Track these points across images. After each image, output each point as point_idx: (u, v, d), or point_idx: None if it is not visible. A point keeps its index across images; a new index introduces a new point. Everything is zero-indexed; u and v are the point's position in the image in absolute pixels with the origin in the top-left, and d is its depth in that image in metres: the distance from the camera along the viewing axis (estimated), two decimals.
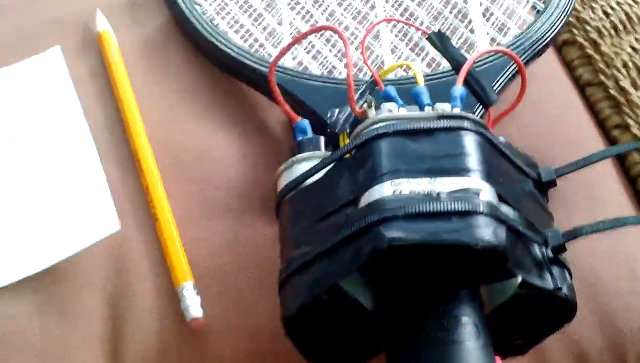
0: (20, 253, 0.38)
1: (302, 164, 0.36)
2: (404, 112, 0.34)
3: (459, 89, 0.35)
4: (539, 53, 0.46)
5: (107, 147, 0.43)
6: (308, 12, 0.48)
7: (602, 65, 0.49)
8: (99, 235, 0.38)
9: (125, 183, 0.42)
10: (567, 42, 0.51)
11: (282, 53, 0.40)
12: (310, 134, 0.38)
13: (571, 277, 0.34)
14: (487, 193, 0.31)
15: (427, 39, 0.40)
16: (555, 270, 0.33)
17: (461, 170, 0.31)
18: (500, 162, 0.34)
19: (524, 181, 0.35)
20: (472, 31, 0.48)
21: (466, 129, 0.33)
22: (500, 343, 0.33)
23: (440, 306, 0.31)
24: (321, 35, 0.47)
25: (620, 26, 0.51)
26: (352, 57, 0.44)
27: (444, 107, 0.34)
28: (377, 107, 0.35)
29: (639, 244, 0.42)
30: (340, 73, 0.45)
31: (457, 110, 0.34)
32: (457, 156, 0.32)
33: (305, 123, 0.39)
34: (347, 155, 0.34)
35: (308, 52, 0.46)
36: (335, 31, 0.39)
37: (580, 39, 0.50)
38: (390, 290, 0.32)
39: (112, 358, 0.38)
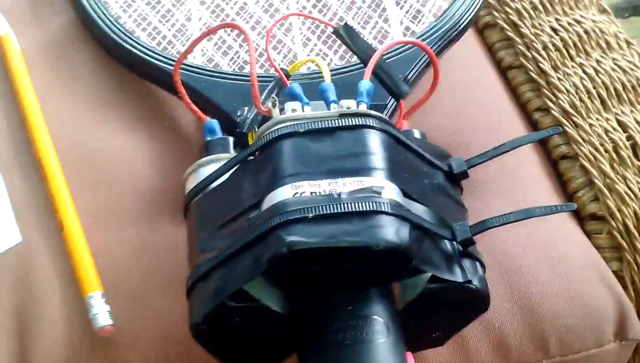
0: None
1: (208, 167, 0.35)
2: (308, 110, 0.34)
3: (365, 83, 0.35)
4: (452, 40, 0.45)
5: (10, 155, 0.41)
6: (218, 5, 0.47)
7: (522, 48, 0.49)
8: None
9: (30, 191, 0.40)
10: (488, 24, 0.51)
11: (187, 51, 0.38)
12: (219, 134, 0.37)
13: (484, 269, 0.33)
14: (390, 192, 0.30)
15: (333, 32, 0.39)
16: (466, 262, 0.32)
17: (363, 170, 0.31)
18: (406, 157, 0.33)
19: (433, 174, 0.35)
20: (385, 20, 0.47)
21: (368, 127, 0.32)
22: (417, 337, 0.33)
23: (349, 306, 0.31)
24: (232, 30, 0.45)
25: (540, 7, 0.50)
26: (256, 55, 0.43)
27: (348, 104, 0.34)
28: (282, 107, 0.34)
29: (556, 231, 0.42)
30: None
31: (362, 106, 0.34)
32: (358, 155, 0.31)
33: (214, 123, 0.38)
34: (251, 157, 0.33)
35: (218, 49, 0.45)
36: (237, 28, 0.38)
37: (501, 22, 0.50)
38: (298, 292, 0.31)
39: None
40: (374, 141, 0.32)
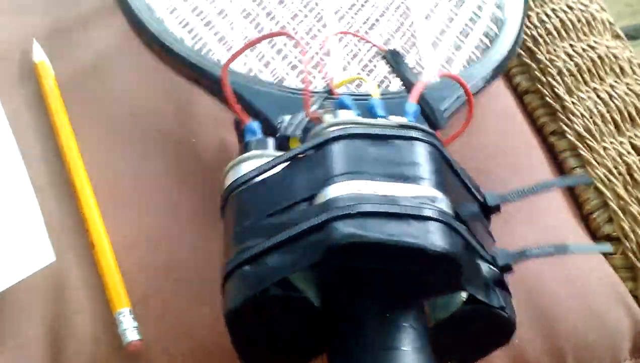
0: None
1: (250, 162, 0.35)
2: (369, 119, 0.34)
3: (412, 105, 0.36)
4: (489, 82, 0.45)
5: (45, 178, 0.43)
6: (259, 24, 0.49)
7: (538, 73, 0.50)
8: (33, 267, 0.39)
9: (64, 213, 0.42)
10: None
11: (235, 55, 0.40)
12: (260, 135, 0.37)
13: (511, 298, 0.34)
14: (443, 203, 0.31)
15: (382, 57, 0.40)
16: (498, 290, 0.33)
17: (420, 179, 0.31)
18: (453, 179, 0.34)
19: (471, 202, 0.35)
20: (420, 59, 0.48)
21: (426, 141, 0.33)
22: (438, 359, 0.33)
23: (386, 312, 0.31)
24: (272, 46, 0.47)
25: (555, 33, 0.51)
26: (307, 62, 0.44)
27: (400, 120, 0.34)
28: (335, 114, 0.35)
29: None
30: (291, 83, 0.44)
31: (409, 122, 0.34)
32: (416, 165, 0.32)
33: (256, 124, 0.38)
34: (302, 156, 0.33)
35: (260, 60, 0.46)
36: (290, 37, 0.40)
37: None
38: (338, 290, 0.32)
39: None
40: (431, 156, 0.32)
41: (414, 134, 0.33)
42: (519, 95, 0.51)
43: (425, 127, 0.34)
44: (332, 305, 0.32)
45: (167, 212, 0.42)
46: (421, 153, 0.32)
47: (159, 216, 0.42)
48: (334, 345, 0.31)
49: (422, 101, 0.38)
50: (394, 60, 0.39)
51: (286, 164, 0.34)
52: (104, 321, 0.39)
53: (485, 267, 0.32)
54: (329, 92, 0.39)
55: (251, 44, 0.40)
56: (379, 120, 0.34)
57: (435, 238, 0.29)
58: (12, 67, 0.48)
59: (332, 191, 0.31)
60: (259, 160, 0.35)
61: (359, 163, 0.32)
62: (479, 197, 0.36)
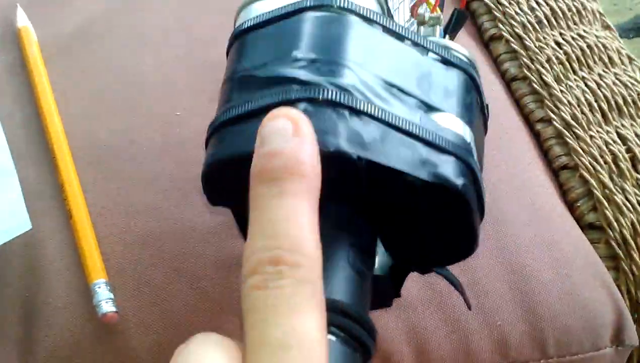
0: None
1: (264, 2, 0.31)
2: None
3: None
4: None
5: (24, 144, 0.42)
6: None
7: (526, 60, 0.50)
8: (9, 234, 0.38)
9: (43, 181, 0.41)
10: (494, 37, 0.52)
11: None
12: None
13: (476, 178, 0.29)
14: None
15: None
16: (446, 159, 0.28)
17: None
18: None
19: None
20: None
21: (467, 72, 0.30)
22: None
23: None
24: None
25: (545, 21, 0.51)
26: None
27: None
28: None
29: (561, 233, 0.43)
30: None
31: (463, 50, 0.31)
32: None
33: None
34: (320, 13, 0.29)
35: None
36: None
37: (506, 34, 0.51)
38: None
39: (25, 357, 0.37)
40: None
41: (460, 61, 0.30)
42: (507, 81, 0.50)
43: (467, 53, 0.31)
44: None
45: (147, 184, 0.41)
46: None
47: (139, 188, 0.41)
48: None
49: None
50: None
51: (298, 14, 0.30)
52: (80, 291, 0.38)
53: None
54: None
55: None
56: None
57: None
58: None
59: (345, 75, 0.27)
60: (273, 2, 0.30)
61: (371, 54, 0.28)
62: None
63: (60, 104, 0.43)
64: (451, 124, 0.29)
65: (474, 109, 0.30)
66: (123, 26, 0.48)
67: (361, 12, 0.30)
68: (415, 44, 0.30)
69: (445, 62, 0.30)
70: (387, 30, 0.30)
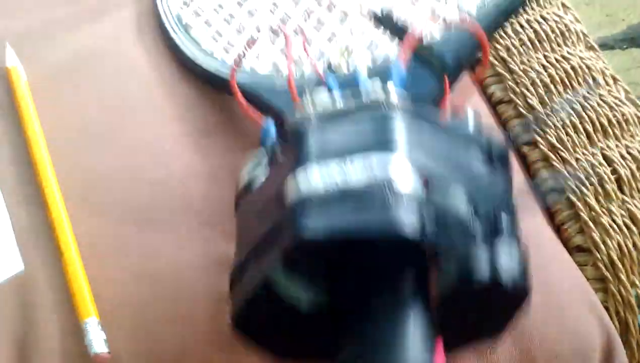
0: None
1: (255, 168, 0.35)
2: (336, 98, 0.33)
3: (396, 66, 0.35)
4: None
5: (14, 184, 0.43)
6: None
7: (511, 83, 0.50)
8: (1, 276, 0.38)
9: (33, 220, 0.41)
10: (479, 60, 0.52)
11: (240, 56, 0.42)
12: (272, 134, 0.36)
13: (522, 255, 0.31)
14: (410, 177, 0.29)
15: (372, 17, 0.41)
16: (501, 253, 0.30)
17: (385, 149, 0.29)
18: (433, 139, 0.31)
19: (464, 156, 0.32)
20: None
21: (388, 110, 0.31)
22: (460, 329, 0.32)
23: (378, 303, 0.29)
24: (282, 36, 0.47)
25: (529, 44, 0.51)
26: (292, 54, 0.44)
27: (375, 88, 0.33)
28: (312, 98, 0.34)
29: (549, 258, 0.43)
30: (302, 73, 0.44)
31: (390, 84, 0.33)
32: (381, 139, 0.30)
33: (270, 125, 0.36)
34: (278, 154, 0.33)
35: (274, 58, 0.46)
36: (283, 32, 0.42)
37: (491, 58, 0.51)
38: (325, 290, 0.31)
39: None
40: (397, 124, 0.31)
41: (376, 106, 0.31)
42: (493, 104, 0.51)
43: (393, 92, 0.32)
44: (323, 306, 0.31)
45: (139, 220, 0.42)
46: (386, 124, 0.30)
47: (130, 224, 0.42)
48: (331, 346, 0.30)
49: (424, 51, 0.38)
50: (384, 19, 0.40)
51: (269, 166, 0.33)
52: (72, 331, 0.38)
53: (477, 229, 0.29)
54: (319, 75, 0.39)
55: (252, 44, 0.43)
56: (345, 100, 0.33)
57: (394, 217, 0.27)
58: None
59: (292, 187, 0.29)
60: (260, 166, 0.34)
61: (323, 149, 0.30)
62: (482, 145, 0.32)
63: (50, 140, 0.44)
64: None
65: (414, 138, 0.30)
66: (109, 57, 0.49)
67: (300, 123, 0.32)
68: (344, 113, 0.32)
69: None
70: (323, 117, 0.32)
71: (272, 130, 0.36)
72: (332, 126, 0.31)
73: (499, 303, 0.31)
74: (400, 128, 0.30)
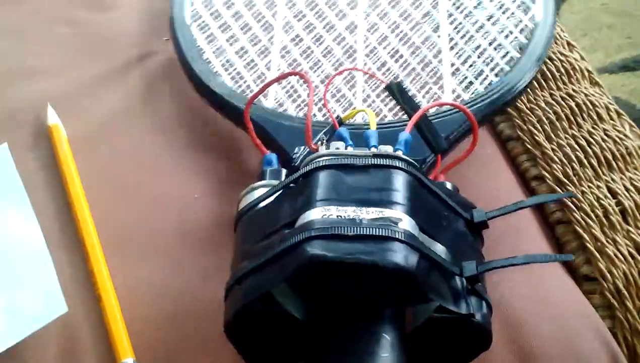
0: None
1: (259, 190, 0.41)
2: (350, 150, 0.39)
3: (404, 134, 0.40)
4: (495, 111, 0.50)
5: (57, 234, 0.46)
6: (295, 60, 0.54)
7: (519, 121, 0.53)
8: (47, 318, 0.42)
9: (75, 267, 0.45)
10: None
11: (257, 93, 0.46)
12: (276, 166, 0.43)
13: (490, 308, 0.37)
14: (406, 224, 0.35)
15: (385, 88, 0.45)
16: (472, 299, 0.36)
17: (385, 202, 0.36)
18: (428, 199, 0.38)
19: (454, 219, 0.39)
20: (440, 88, 0.51)
21: (396, 167, 0.37)
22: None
23: (361, 321, 0.35)
24: (303, 81, 0.51)
25: (535, 83, 0.54)
26: (314, 100, 0.49)
27: (386, 149, 0.39)
28: (329, 146, 0.41)
29: (556, 288, 0.45)
30: (314, 116, 0.49)
31: (398, 153, 0.39)
32: (384, 190, 0.36)
33: (273, 156, 0.44)
34: (293, 184, 0.39)
35: (289, 96, 0.51)
36: (301, 76, 0.47)
37: None
38: (318, 303, 0.36)
39: None
40: (400, 180, 0.37)
41: (385, 162, 0.37)
42: (502, 141, 0.53)
43: (401, 155, 0.38)
44: (312, 316, 0.36)
45: (172, 266, 0.45)
46: (392, 179, 0.37)
47: (164, 269, 0.45)
48: (313, 350, 0.36)
49: (425, 128, 0.43)
50: (398, 91, 0.44)
51: (279, 192, 0.39)
52: None
53: (457, 279, 0.36)
54: (333, 127, 0.44)
55: (268, 85, 0.47)
56: (360, 151, 0.39)
57: (389, 255, 0.33)
58: (26, 130, 0.52)
59: (307, 216, 0.36)
60: (265, 189, 0.41)
61: (333, 191, 0.36)
62: (464, 215, 0.39)
63: (88, 194, 0.48)
64: None
65: (416, 197, 0.37)
66: (141, 115, 0.53)
67: (321, 165, 0.38)
68: (362, 167, 0.38)
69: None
70: (341, 167, 0.38)
71: (275, 161, 0.44)
72: (346, 175, 0.37)
73: (465, 339, 0.37)
74: (404, 187, 0.36)
